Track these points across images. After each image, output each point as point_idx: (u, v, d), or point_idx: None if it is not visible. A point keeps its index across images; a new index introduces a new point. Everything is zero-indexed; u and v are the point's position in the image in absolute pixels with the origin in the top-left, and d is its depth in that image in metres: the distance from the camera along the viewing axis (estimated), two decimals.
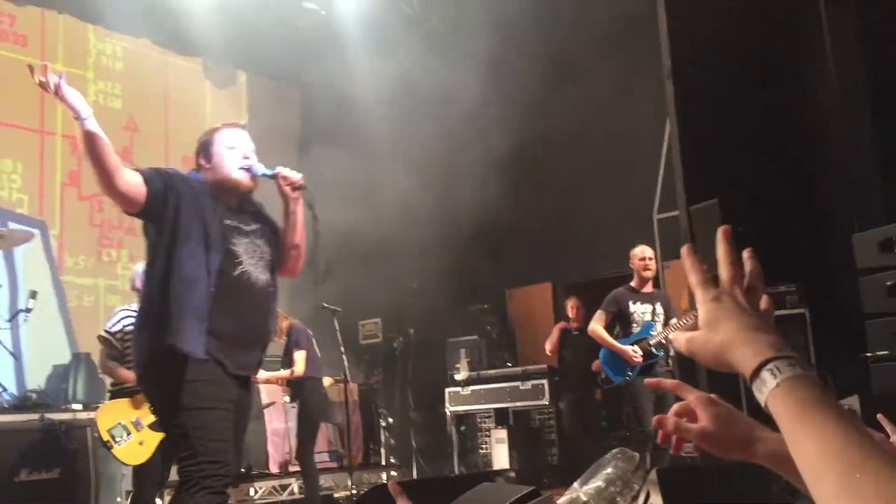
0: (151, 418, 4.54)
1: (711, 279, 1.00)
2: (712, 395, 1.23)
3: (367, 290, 9.23)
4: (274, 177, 3.16)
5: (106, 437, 4.47)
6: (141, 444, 4.49)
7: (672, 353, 6.54)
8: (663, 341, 5.89)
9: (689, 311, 6.08)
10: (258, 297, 3.08)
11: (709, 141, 7.08)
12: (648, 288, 6.09)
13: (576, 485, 3.54)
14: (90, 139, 2.75)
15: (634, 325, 5.97)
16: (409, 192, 8.27)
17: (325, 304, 6.46)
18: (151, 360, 2.94)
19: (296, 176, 3.16)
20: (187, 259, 2.92)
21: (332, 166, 8.23)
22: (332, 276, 7.66)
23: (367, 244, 8.83)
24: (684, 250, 1.04)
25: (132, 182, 2.88)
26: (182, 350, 2.85)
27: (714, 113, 7.09)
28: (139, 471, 4.76)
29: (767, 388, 0.89)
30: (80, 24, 8.83)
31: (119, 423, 4.49)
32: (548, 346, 8.31)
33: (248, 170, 3.12)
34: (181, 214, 2.94)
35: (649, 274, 6.04)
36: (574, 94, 8.31)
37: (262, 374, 5.69)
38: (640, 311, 6.01)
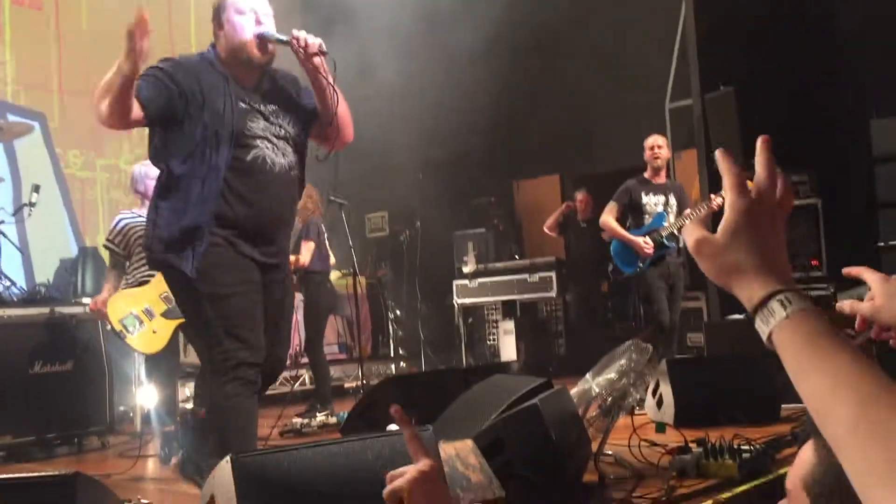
0: (163, 307, 4.54)
1: (745, 184, 0.92)
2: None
3: (372, 183, 9.15)
4: (288, 43, 2.88)
5: (119, 327, 4.47)
6: (154, 332, 4.50)
7: (683, 244, 6.51)
8: (675, 232, 5.83)
9: (701, 202, 6.00)
10: (275, 181, 2.90)
11: (724, 27, 6.85)
12: (661, 179, 5.99)
13: (588, 376, 3.54)
14: (127, 88, 2.63)
15: (646, 216, 5.91)
16: (413, 82, 8.06)
17: (333, 197, 6.38)
18: (165, 260, 2.89)
19: (313, 40, 2.88)
20: (195, 162, 2.81)
21: (332, 53, 7.99)
22: (338, 169, 7.57)
23: (371, 136, 8.66)
24: (719, 153, 0.94)
25: (134, 115, 2.75)
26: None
27: None
28: (152, 361, 4.79)
29: (776, 319, 0.85)
30: None
31: (131, 313, 4.49)
32: (547, 223, 8.28)
33: (261, 36, 2.86)
34: (188, 120, 2.81)
35: (659, 163, 5.93)
36: None
37: None
38: (652, 202, 5.93)
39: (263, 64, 2.94)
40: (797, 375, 0.83)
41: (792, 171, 6.52)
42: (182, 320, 4.45)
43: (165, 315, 4.50)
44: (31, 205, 6.28)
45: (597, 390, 3.36)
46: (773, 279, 0.87)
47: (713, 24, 6.82)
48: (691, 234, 0.93)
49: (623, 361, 3.48)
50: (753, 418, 4.16)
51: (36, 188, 6.35)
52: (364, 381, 6.39)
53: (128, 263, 4.85)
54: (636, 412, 3.77)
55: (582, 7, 8.25)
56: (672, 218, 5.85)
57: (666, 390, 4.51)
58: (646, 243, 5.76)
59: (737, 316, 5.93)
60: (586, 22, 8.50)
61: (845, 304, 1.39)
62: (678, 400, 4.40)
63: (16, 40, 8.00)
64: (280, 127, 2.94)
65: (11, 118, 7.62)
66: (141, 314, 4.49)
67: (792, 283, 0.88)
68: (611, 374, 3.38)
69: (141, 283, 4.71)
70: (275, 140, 2.91)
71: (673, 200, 5.91)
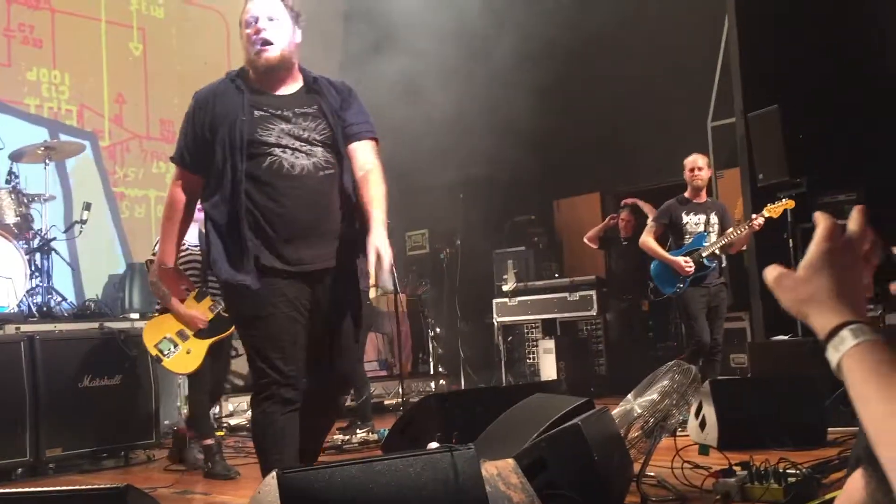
0: (199, 326, 4.64)
1: (837, 231, 1.01)
2: None
3: (413, 201, 9.21)
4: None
5: (154, 352, 4.60)
6: (188, 352, 4.60)
7: (725, 264, 6.45)
8: (716, 252, 5.79)
9: (743, 221, 5.95)
10: (298, 184, 2.80)
11: (768, 44, 6.80)
12: (702, 198, 5.95)
13: (630, 396, 3.53)
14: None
15: (687, 236, 5.87)
16: (454, 102, 8.11)
17: None
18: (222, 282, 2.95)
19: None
20: (214, 179, 2.85)
21: (377, 71, 8.10)
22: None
23: (412, 154, 8.75)
24: (819, 215, 1.02)
25: (188, 192, 2.99)
26: (219, 276, 2.88)
27: (775, 13, 6.79)
28: (192, 379, 4.88)
29: (845, 347, 0.92)
30: None
31: (165, 338, 4.61)
32: (589, 234, 8.23)
33: (262, 48, 2.83)
34: (223, 130, 2.83)
35: (699, 183, 5.89)
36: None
37: None
38: (693, 221, 5.89)
39: (269, 68, 2.88)
40: (860, 401, 0.89)
41: (837, 190, 6.44)
42: (216, 337, 4.59)
43: (199, 335, 4.59)
44: (83, 222, 6.45)
45: (639, 411, 3.35)
46: (846, 310, 0.95)
47: (757, 42, 6.77)
48: (772, 272, 1.02)
49: (666, 382, 3.46)
50: (799, 442, 4.10)
51: (87, 206, 6.52)
52: (404, 399, 6.41)
53: None
54: (679, 434, 3.75)
55: (623, 24, 8.26)
56: (713, 237, 5.81)
57: (709, 412, 4.47)
58: (686, 263, 5.72)
59: (781, 337, 5.85)
60: (627, 39, 8.51)
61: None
62: (722, 422, 4.35)
63: (66, 60, 8.23)
64: (304, 129, 2.85)
65: (64, 138, 7.83)
66: (174, 337, 4.60)
67: (866, 318, 0.95)
68: (653, 395, 3.37)
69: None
70: (295, 142, 2.82)
71: (714, 219, 5.87)
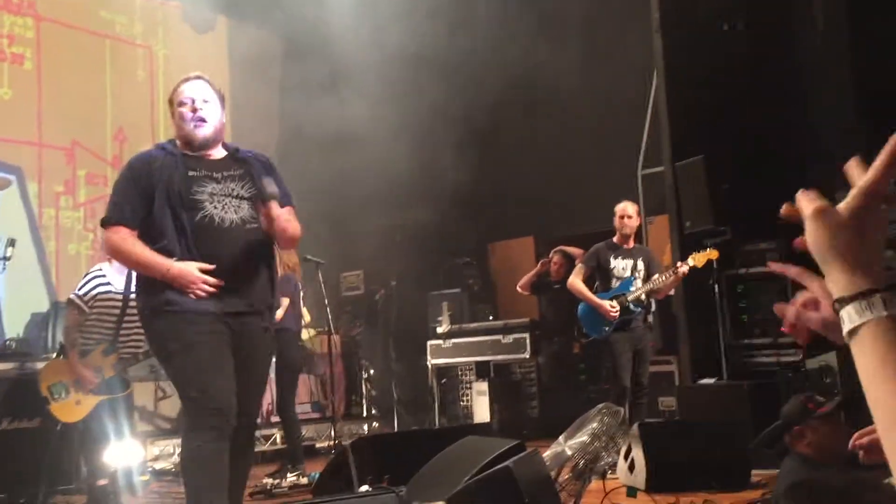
0: (95, 381, 4.55)
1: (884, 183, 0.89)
2: None
3: (349, 243, 9.21)
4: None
5: (45, 392, 4.51)
6: (77, 403, 4.53)
7: (653, 308, 6.59)
8: (642, 297, 5.92)
9: (671, 267, 6.11)
10: (227, 235, 3.10)
11: (695, 96, 7.05)
12: (630, 244, 6.10)
13: (561, 439, 3.57)
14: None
15: (614, 279, 6.00)
16: (390, 144, 8.18)
17: (309, 257, 6.42)
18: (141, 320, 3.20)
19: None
20: (153, 226, 3.09)
21: (313, 117, 8.11)
22: (315, 228, 7.63)
23: (348, 196, 8.77)
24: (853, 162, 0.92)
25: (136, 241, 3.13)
26: (142, 307, 3.15)
27: (700, 67, 7.05)
28: (69, 428, 4.75)
29: (873, 314, 0.83)
30: None
31: (60, 382, 4.53)
32: (521, 281, 8.30)
33: (198, 124, 3.20)
34: (161, 187, 3.10)
35: (627, 231, 6.06)
36: (559, 46, 8.22)
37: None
38: (620, 265, 6.02)
39: (209, 143, 3.24)
40: (871, 377, 0.82)
41: (760, 239, 6.67)
42: (107, 397, 4.52)
43: (94, 390, 4.53)
44: (6, 259, 6.25)
45: (569, 453, 3.39)
46: (882, 275, 0.86)
47: (685, 92, 7.02)
48: (812, 201, 0.91)
49: (595, 424, 3.51)
50: (725, 484, 4.19)
51: (11, 242, 6.33)
52: (337, 441, 6.34)
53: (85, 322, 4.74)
54: (608, 476, 3.79)
55: (557, 73, 8.47)
56: (640, 283, 5.95)
57: (638, 454, 4.54)
58: (612, 307, 5.84)
59: (708, 380, 5.99)
60: (561, 87, 8.73)
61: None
62: (650, 464, 4.42)
63: None
64: (233, 189, 3.17)
65: None
66: (70, 383, 4.54)
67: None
68: (583, 437, 3.42)
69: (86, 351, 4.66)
70: (225, 199, 3.14)
71: (641, 265, 6.02)
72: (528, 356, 8.14)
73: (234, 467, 3.01)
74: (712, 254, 5.84)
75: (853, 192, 0.89)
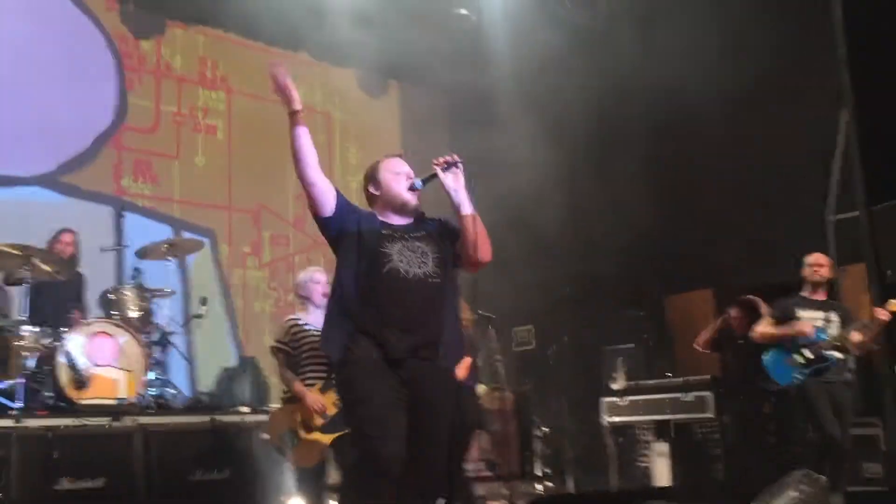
0: (320, 421, 4.61)
1: None
2: None
3: (519, 297, 9.14)
4: (434, 177, 3.51)
5: (276, 442, 4.61)
6: (311, 445, 4.58)
7: (853, 365, 6.05)
8: (839, 347, 5.45)
9: (870, 320, 5.60)
10: (410, 287, 3.31)
11: (891, 134, 6.56)
12: (820, 296, 5.67)
13: None
14: (294, 128, 3.42)
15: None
16: (562, 196, 8.12)
17: (481, 312, 6.40)
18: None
19: (449, 157, 3.50)
20: (343, 274, 3.36)
21: (482, 174, 8.17)
22: (484, 282, 7.64)
23: (519, 248, 8.73)
24: None
25: (325, 184, 3.45)
26: (329, 354, 3.39)
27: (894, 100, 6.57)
28: (300, 471, 4.83)
29: None
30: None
31: (288, 430, 4.61)
32: (700, 338, 7.87)
33: (412, 188, 3.52)
34: (355, 237, 3.38)
35: (818, 279, 5.62)
36: (735, 85, 7.87)
37: None
38: (809, 315, 5.59)
39: (413, 208, 3.55)
40: None
41: None
42: (337, 434, 4.51)
43: (324, 429, 4.56)
44: (200, 316, 6.68)
45: None
46: None
47: (880, 129, 6.55)
48: None
49: (793, 493, 3.23)
50: None
51: (203, 300, 6.76)
52: (510, 501, 6.20)
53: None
54: None
55: (734, 113, 8.11)
56: (833, 332, 5.48)
57: None
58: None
59: None
60: (739, 130, 8.34)
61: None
62: None
63: (188, 159, 8.71)
64: (417, 247, 3.41)
65: (186, 235, 8.21)
66: (298, 427, 4.59)
67: None
68: None
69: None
70: (410, 255, 3.37)
71: (835, 317, 5.55)
72: (711, 415, 7.69)
73: None
74: None
75: None
